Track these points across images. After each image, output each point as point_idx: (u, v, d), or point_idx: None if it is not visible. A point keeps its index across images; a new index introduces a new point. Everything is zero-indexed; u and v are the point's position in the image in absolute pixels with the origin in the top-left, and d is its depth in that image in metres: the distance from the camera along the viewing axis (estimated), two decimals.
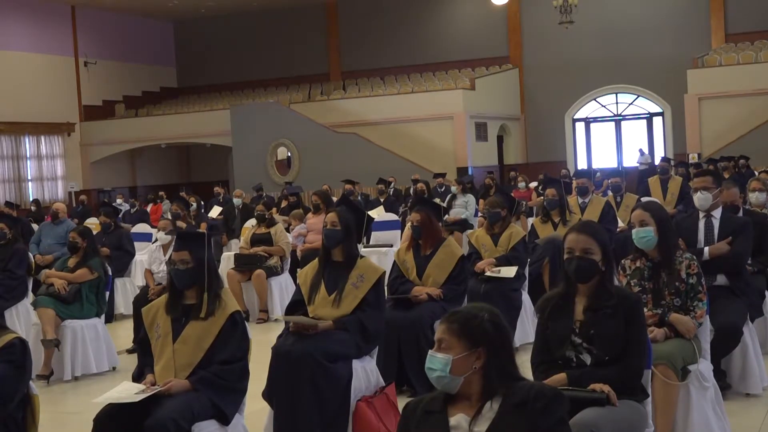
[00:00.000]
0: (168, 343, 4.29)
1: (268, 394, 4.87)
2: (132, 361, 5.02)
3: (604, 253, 3.79)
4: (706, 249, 5.61)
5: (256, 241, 9.95)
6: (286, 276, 9.96)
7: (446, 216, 12.20)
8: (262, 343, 5.75)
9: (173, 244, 7.55)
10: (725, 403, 4.77)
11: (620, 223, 8.97)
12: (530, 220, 11.04)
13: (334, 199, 11.61)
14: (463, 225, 12.91)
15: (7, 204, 18.09)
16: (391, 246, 11.37)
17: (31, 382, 3.70)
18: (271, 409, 4.85)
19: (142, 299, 7.69)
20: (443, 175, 17.09)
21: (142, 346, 4.48)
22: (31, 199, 23.42)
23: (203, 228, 11.03)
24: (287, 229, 11.17)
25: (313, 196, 11.23)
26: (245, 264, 9.73)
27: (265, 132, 23.74)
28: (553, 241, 7.64)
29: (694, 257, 4.64)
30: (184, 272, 4.35)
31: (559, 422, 2.76)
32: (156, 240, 9.07)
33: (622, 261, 4.69)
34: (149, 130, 26.72)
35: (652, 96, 25.24)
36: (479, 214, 13.38)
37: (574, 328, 3.75)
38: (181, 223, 10.71)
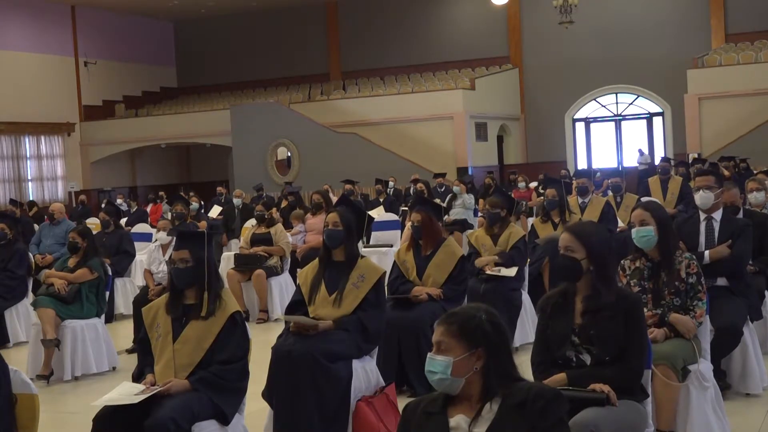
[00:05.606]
0: (168, 343, 4.29)
1: (268, 394, 4.87)
2: (132, 361, 5.01)
3: (589, 252, 3.77)
4: (707, 252, 5.60)
5: (256, 241, 9.95)
6: (286, 276, 9.96)
7: (446, 216, 12.19)
8: (262, 343, 5.75)
9: (173, 244, 7.56)
10: (725, 403, 4.77)
11: (620, 223, 8.97)
12: (530, 220, 11.05)
13: (334, 199, 11.60)
14: (463, 225, 12.91)
15: (11, 202, 18.07)
16: (391, 246, 11.37)
17: (31, 382, 3.68)
18: (271, 409, 4.85)
19: (142, 299, 7.69)
20: (443, 175, 17.08)
21: (142, 345, 4.48)
22: (30, 200, 23.38)
23: (202, 226, 11.04)
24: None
25: (315, 195, 11.23)
26: (245, 264, 9.72)
27: (265, 132, 23.74)
28: (553, 241, 7.61)
29: (694, 257, 4.64)
30: (184, 271, 4.35)
31: (559, 422, 2.76)
32: (155, 240, 9.07)
33: (622, 261, 4.68)
34: (149, 130, 26.72)
35: (652, 96, 25.24)
36: (479, 214, 13.40)
37: (574, 328, 3.75)
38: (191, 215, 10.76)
